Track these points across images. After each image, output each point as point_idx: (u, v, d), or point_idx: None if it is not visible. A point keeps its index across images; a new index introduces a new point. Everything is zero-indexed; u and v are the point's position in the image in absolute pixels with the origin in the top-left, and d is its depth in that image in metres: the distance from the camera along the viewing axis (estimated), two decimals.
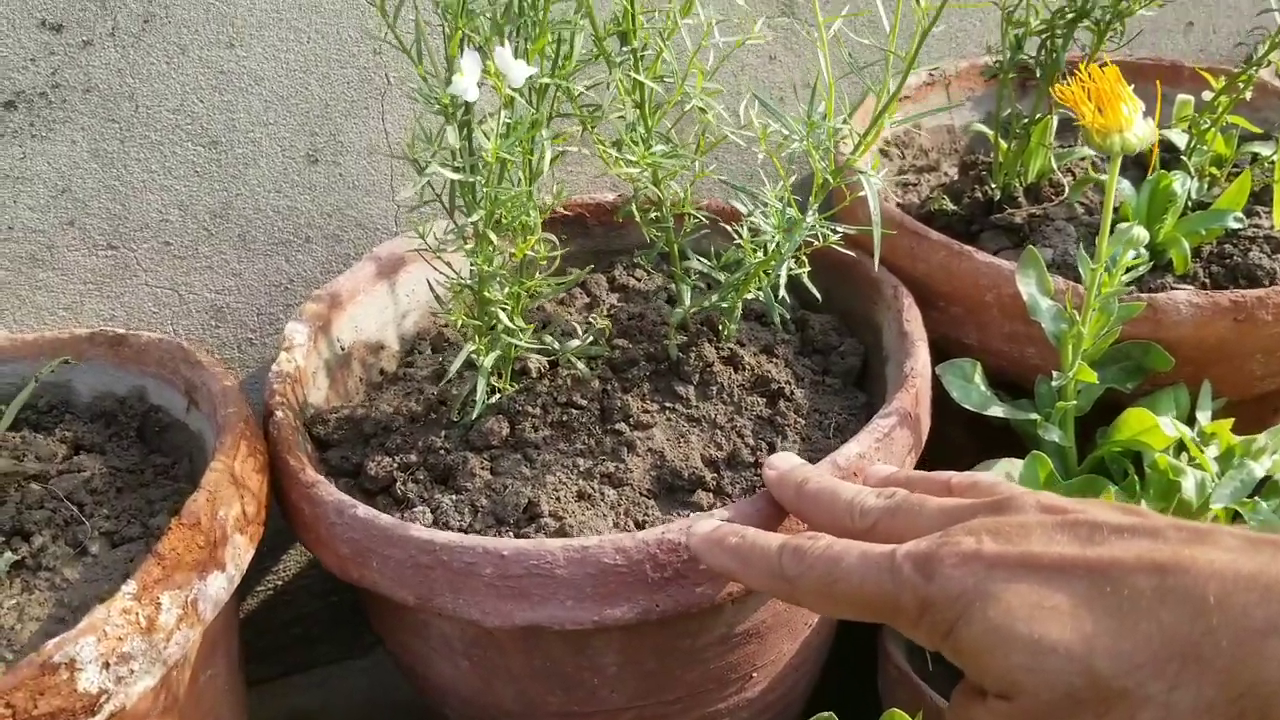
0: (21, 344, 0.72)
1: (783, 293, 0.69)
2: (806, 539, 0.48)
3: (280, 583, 0.90)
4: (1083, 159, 0.82)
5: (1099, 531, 0.41)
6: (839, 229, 0.65)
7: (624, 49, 0.64)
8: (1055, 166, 0.81)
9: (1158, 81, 0.76)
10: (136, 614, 0.53)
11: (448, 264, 0.66)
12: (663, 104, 0.64)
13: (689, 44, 0.63)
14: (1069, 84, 0.58)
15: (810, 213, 0.63)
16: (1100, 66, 0.58)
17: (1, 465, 0.66)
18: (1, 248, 0.73)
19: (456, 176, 0.59)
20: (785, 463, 0.58)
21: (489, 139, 0.57)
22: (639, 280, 0.83)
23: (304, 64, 0.76)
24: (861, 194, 0.62)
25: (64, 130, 0.72)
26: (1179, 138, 0.83)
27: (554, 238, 0.67)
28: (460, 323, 0.66)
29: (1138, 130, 0.57)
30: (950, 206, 0.81)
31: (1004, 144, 0.80)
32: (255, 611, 0.89)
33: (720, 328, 0.73)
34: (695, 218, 0.70)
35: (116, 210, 0.75)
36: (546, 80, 0.61)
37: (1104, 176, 0.70)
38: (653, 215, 0.71)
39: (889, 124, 0.58)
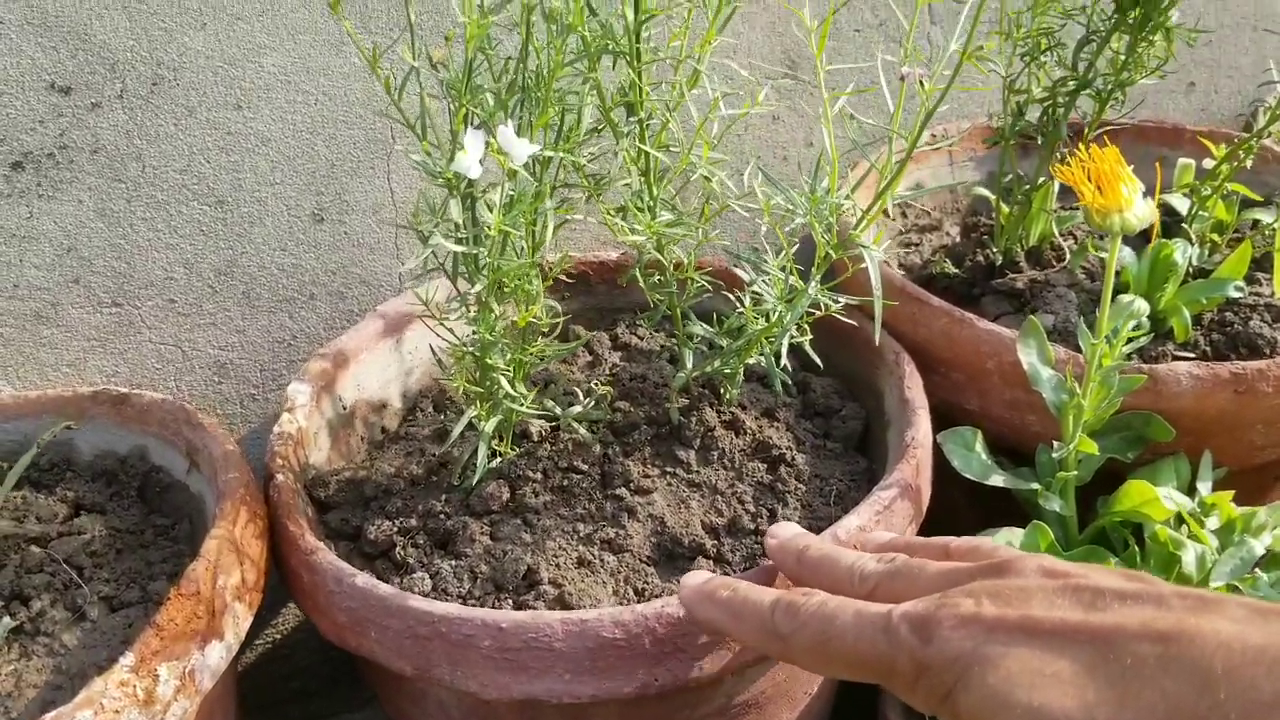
0: (25, 402, 0.73)
1: (784, 359, 0.69)
2: (800, 595, 0.48)
3: (278, 636, 0.89)
4: (1084, 224, 0.82)
5: (1102, 597, 0.40)
6: (841, 299, 0.65)
7: (630, 119, 0.64)
8: (1056, 230, 0.81)
9: (1157, 165, 0.76)
10: (134, 686, 0.53)
11: (450, 330, 0.66)
12: (668, 172, 0.65)
13: (694, 112, 0.63)
14: (1069, 162, 0.58)
15: (812, 283, 0.63)
16: (1101, 145, 0.58)
17: (2, 528, 0.66)
18: (7, 305, 0.74)
19: (460, 249, 0.59)
20: (786, 531, 0.58)
21: (492, 211, 0.58)
22: (641, 339, 0.83)
23: (310, 125, 0.77)
24: (864, 265, 0.63)
25: (70, 190, 0.72)
26: (1180, 202, 0.84)
27: (556, 304, 0.68)
28: (462, 389, 0.66)
29: (1137, 210, 0.57)
30: (952, 269, 0.81)
31: (1005, 208, 0.81)
32: (253, 665, 0.89)
33: (722, 391, 0.73)
34: (698, 282, 0.70)
35: (121, 268, 0.75)
36: (551, 153, 0.61)
37: (1105, 254, 0.70)
38: (656, 279, 0.71)
39: (891, 200, 0.59)
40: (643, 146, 0.63)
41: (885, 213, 0.88)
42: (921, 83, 0.54)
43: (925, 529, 0.68)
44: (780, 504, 0.68)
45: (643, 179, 0.65)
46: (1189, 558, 0.64)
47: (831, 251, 0.61)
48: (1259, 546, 0.62)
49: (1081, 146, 0.58)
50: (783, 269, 0.64)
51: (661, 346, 0.82)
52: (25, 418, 0.72)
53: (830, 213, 0.58)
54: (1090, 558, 0.66)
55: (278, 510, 0.65)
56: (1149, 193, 0.59)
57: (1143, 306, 0.64)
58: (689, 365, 0.72)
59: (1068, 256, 0.80)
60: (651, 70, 0.61)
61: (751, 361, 0.71)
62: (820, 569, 0.52)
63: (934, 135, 0.90)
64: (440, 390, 0.80)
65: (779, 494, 0.69)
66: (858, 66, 0.65)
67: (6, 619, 0.61)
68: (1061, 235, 0.82)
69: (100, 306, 0.76)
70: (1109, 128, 0.79)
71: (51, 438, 0.66)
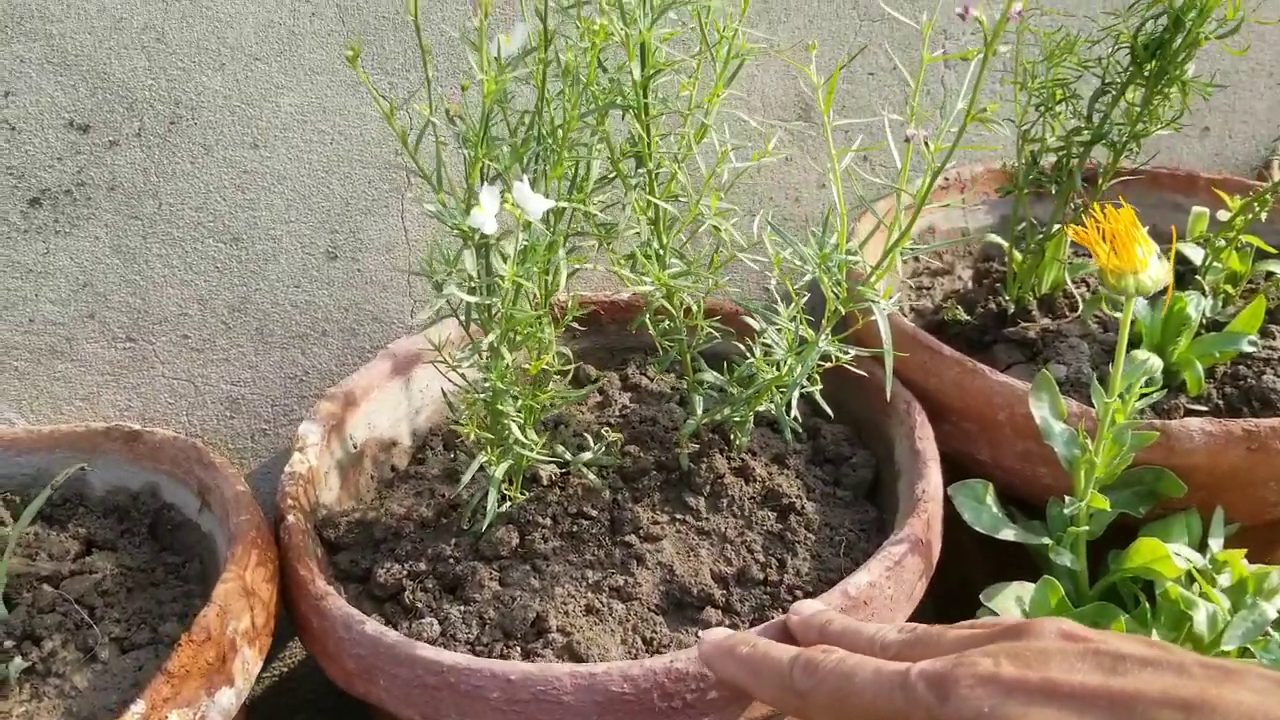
0: (39, 436, 0.73)
1: (794, 409, 0.69)
2: (820, 652, 0.48)
3: (285, 669, 0.90)
4: (1097, 273, 0.82)
5: (1122, 662, 0.40)
6: (851, 350, 0.65)
7: (639, 170, 0.64)
8: (1069, 278, 0.81)
9: (1173, 230, 0.76)
10: None
11: (462, 375, 0.66)
12: (676, 222, 0.65)
13: (702, 164, 0.63)
14: (1084, 220, 0.58)
15: (823, 336, 0.63)
16: (1115, 195, 0.58)
17: (15, 567, 0.66)
18: (23, 339, 0.74)
19: (473, 299, 0.59)
20: (808, 608, 0.57)
21: (505, 260, 0.58)
22: (651, 380, 0.83)
23: (326, 164, 0.77)
24: (874, 317, 0.63)
25: (87, 226, 0.73)
26: (1194, 252, 0.84)
27: (568, 351, 0.68)
28: (473, 435, 0.66)
29: (1152, 272, 0.57)
30: (964, 317, 0.81)
31: (1019, 256, 0.81)
32: (260, 697, 0.89)
33: (732, 437, 0.73)
34: (707, 329, 0.70)
35: (136, 304, 0.76)
36: (564, 204, 0.61)
37: (1119, 313, 0.70)
38: (665, 325, 0.71)
39: (901, 255, 0.59)
40: (651, 198, 0.63)
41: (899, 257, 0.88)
42: (926, 143, 0.54)
43: (936, 578, 0.68)
44: (790, 554, 0.68)
45: (651, 228, 0.65)
46: (1200, 617, 0.64)
47: (840, 307, 0.61)
48: (1271, 610, 0.62)
49: (1096, 206, 0.58)
50: (792, 319, 0.64)
51: (672, 388, 0.82)
52: (39, 452, 0.73)
53: (839, 269, 0.59)
54: (1101, 614, 0.66)
55: (288, 553, 0.65)
56: (1164, 252, 0.59)
57: (1156, 364, 0.64)
58: (699, 412, 0.72)
59: (1080, 305, 0.80)
60: (659, 121, 0.62)
61: (762, 409, 0.72)
62: (842, 640, 0.52)
63: (946, 179, 0.90)
64: (450, 428, 0.80)
65: (788, 543, 0.68)
66: (866, 121, 0.65)
67: (18, 659, 0.61)
68: (1074, 283, 0.82)
69: (115, 341, 0.76)
70: (1123, 177, 0.79)
71: (65, 479, 0.67)
